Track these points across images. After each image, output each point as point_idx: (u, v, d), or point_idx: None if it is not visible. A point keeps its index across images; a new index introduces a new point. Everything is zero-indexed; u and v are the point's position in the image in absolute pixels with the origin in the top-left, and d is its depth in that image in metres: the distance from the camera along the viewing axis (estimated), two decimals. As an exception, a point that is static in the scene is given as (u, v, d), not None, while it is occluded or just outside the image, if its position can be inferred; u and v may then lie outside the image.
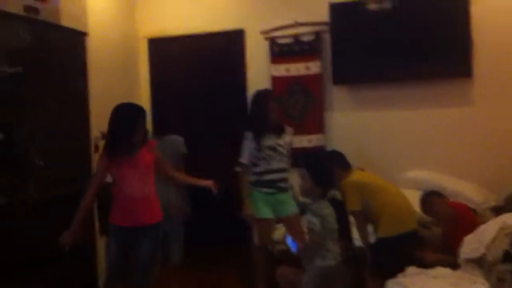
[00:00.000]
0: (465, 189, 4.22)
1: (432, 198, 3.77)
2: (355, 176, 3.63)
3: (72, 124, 4.27)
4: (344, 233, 3.63)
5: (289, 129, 4.12)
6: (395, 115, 4.78)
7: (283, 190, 3.96)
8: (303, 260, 3.35)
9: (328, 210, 3.27)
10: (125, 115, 3.33)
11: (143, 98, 5.51)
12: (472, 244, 3.16)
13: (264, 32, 5.06)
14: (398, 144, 4.72)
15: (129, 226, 3.35)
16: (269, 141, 3.96)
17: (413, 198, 3.90)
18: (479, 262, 3.06)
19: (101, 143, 4.51)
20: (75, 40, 4.37)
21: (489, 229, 3.12)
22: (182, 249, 4.65)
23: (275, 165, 3.94)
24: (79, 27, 4.40)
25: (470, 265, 3.11)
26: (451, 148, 4.58)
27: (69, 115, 4.22)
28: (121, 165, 3.32)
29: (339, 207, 3.65)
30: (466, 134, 4.56)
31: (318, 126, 4.96)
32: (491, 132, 4.48)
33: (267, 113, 3.95)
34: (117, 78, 5.08)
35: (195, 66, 5.39)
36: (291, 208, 3.96)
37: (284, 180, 3.98)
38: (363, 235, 3.54)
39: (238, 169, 5.24)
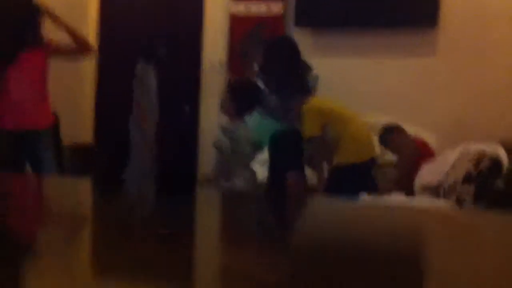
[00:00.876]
0: (426, 139, 4.04)
1: (393, 132, 3.57)
2: (316, 101, 3.39)
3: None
4: (297, 163, 3.39)
5: None
6: (358, 64, 4.57)
7: None
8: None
9: (242, 132, 3.10)
10: (13, 11, 3.11)
11: (90, 29, 5.13)
12: (431, 171, 2.97)
13: (226, -33, 4.77)
14: (359, 92, 4.50)
15: (19, 130, 3.12)
16: None
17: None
18: (435, 190, 2.87)
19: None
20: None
21: (449, 156, 2.94)
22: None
23: None
24: None
25: (426, 193, 2.92)
26: (413, 98, 4.40)
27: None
28: (10, 64, 3.09)
29: (295, 135, 3.41)
30: (429, 85, 4.39)
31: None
32: (454, 84, 4.33)
33: None
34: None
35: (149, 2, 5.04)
36: None
37: None
38: (318, 164, 3.30)
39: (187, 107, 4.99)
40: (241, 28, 4.77)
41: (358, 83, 4.52)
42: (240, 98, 3.28)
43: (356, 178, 3.12)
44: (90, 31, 5.09)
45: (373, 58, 4.54)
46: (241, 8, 4.76)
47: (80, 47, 3.28)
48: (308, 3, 4.56)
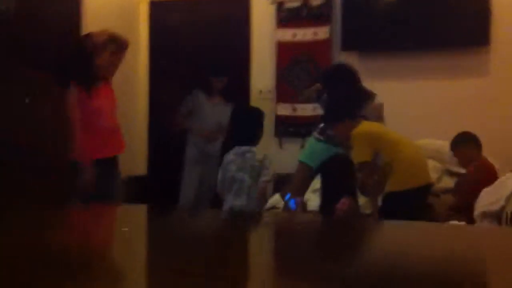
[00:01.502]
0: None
1: (469, 142, 3.53)
2: (365, 126, 3.34)
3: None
4: (348, 189, 3.34)
5: None
6: (407, 86, 4.52)
7: None
8: None
9: (230, 157, 3.10)
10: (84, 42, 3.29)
11: (141, 64, 5.27)
12: (491, 197, 2.87)
13: (272, -4, 4.83)
14: (409, 116, 4.41)
15: (102, 158, 3.24)
16: None
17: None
18: (497, 216, 2.77)
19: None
20: (69, 4, 4.19)
21: (509, 180, 2.84)
22: None
23: None
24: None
25: (487, 220, 2.82)
26: (466, 119, 4.28)
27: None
28: (93, 96, 3.23)
29: (344, 161, 3.37)
30: (482, 105, 4.28)
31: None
32: (508, 103, 4.20)
33: None
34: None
35: (198, 31, 5.12)
36: None
37: None
38: (371, 191, 3.24)
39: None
40: (288, 55, 4.80)
41: (409, 106, 4.45)
42: (242, 126, 3.28)
43: (411, 204, 3.04)
44: (141, 65, 5.25)
45: (423, 80, 4.47)
46: (288, 34, 4.80)
47: (120, 46, 3.40)
48: (355, 27, 4.54)
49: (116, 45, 3.35)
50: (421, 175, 3.19)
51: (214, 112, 4.50)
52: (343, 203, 3.16)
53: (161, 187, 4.71)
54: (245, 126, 3.26)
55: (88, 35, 3.36)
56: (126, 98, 5.04)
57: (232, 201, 3.05)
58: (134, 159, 5.14)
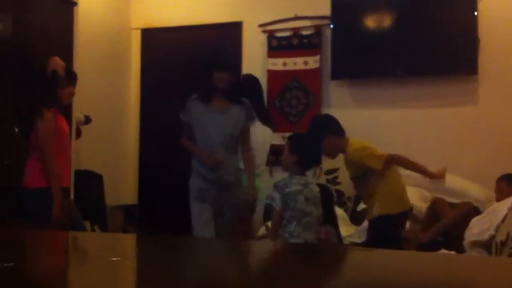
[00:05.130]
0: (469, 188, 3.96)
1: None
2: (360, 141, 3.40)
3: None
4: (328, 219, 3.33)
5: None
6: (396, 114, 4.56)
7: None
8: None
9: (297, 187, 2.89)
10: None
11: (132, 89, 5.29)
12: (480, 226, 2.88)
13: (263, 25, 4.88)
14: (399, 143, 4.43)
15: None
16: None
17: (414, 195, 3.66)
18: (487, 245, 2.78)
19: (84, 127, 4.28)
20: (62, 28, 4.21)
21: (499, 209, 2.86)
22: None
23: None
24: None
25: (476, 249, 2.83)
26: (455, 147, 4.34)
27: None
28: (60, 120, 3.23)
29: (324, 191, 3.38)
30: (471, 133, 4.33)
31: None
32: (496, 132, 4.25)
33: None
34: (104, 65, 4.86)
35: (190, 59, 5.13)
36: None
37: None
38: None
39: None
40: (278, 83, 4.84)
41: (398, 134, 4.48)
42: (302, 152, 3.02)
43: (398, 228, 3.06)
44: (132, 92, 5.27)
45: (412, 107, 4.52)
46: (278, 63, 4.84)
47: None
48: (344, 56, 4.59)
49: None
50: (407, 200, 3.23)
51: (218, 122, 3.24)
52: (324, 232, 3.17)
53: (153, 216, 4.68)
54: (308, 152, 3.05)
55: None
56: (117, 125, 5.06)
57: (301, 234, 2.88)
58: (125, 187, 5.13)
